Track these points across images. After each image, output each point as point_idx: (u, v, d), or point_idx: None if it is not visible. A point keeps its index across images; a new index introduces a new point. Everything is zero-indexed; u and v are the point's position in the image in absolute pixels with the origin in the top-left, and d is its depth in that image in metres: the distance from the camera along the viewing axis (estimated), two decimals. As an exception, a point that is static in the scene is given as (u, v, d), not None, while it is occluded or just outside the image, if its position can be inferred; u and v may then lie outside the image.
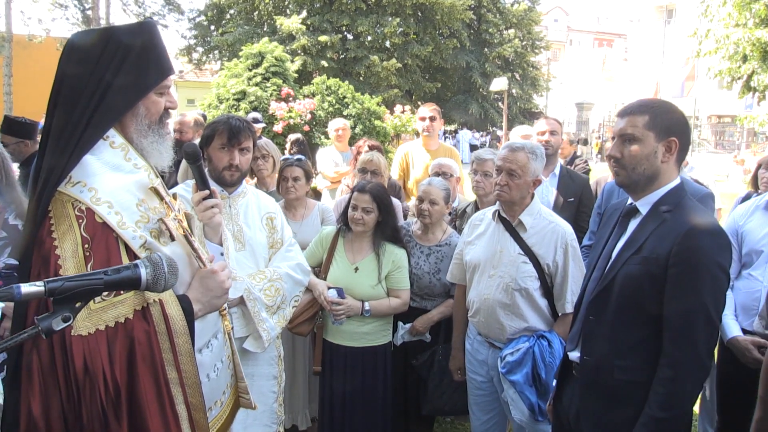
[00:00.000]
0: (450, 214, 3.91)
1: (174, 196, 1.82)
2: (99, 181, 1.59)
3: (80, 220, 1.53)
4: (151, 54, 1.71)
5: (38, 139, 4.99)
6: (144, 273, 1.35)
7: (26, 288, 1.19)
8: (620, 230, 2.23)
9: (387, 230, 3.39)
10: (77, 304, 1.28)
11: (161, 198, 1.68)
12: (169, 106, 1.80)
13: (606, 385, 2.13)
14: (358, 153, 4.96)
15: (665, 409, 1.96)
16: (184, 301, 1.66)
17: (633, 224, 2.18)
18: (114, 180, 1.62)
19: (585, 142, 28.40)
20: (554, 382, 2.52)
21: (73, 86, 1.63)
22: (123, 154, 1.69)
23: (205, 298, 1.73)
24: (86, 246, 1.51)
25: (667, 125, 2.07)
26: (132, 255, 1.58)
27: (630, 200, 2.23)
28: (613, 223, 2.29)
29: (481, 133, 32.49)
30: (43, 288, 1.21)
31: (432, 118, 5.32)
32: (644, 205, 2.15)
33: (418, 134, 6.08)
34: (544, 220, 2.93)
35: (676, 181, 2.14)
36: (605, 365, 2.12)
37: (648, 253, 2.04)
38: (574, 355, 2.29)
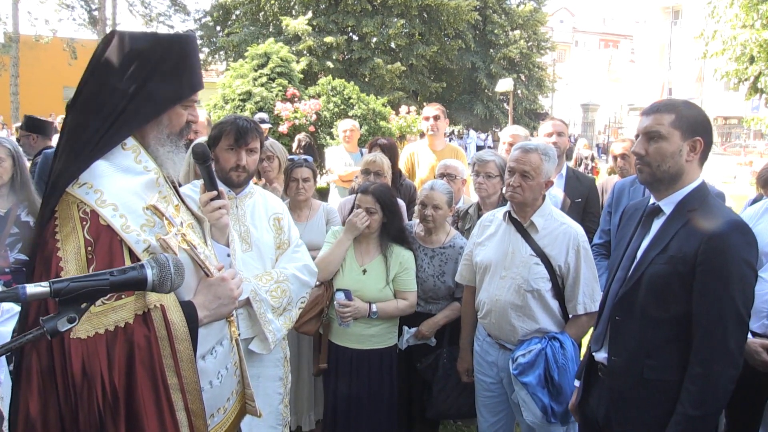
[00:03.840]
0: (452, 216, 3.89)
1: (176, 207, 1.79)
2: (106, 182, 1.58)
3: (84, 222, 1.52)
4: (186, 66, 1.71)
5: (51, 136, 5.60)
6: (150, 273, 1.34)
7: (31, 288, 1.18)
8: (644, 230, 2.24)
9: (392, 231, 3.38)
10: (83, 305, 1.26)
11: (161, 215, 1.66)
12: (191, 120, 1.80)
13: (636, 384, 2.14)
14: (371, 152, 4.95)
15: (698, 407, 1.98)
16: (189, 307, 1.64)
17: (657, 224, 2.19)
18: (121, 182, 1.61)
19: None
20: (577, 383, 2.53)
21: (98, 89, 1.63)
22: (134, 156, 1.67)
23: (213, 305, 1.72)
24: (89, 248, 1.50)
25: (693, 125, 2.09)
26: (135, 259, 1.56)
27: (652, 200, 2.24)
28: (636, 223, 2.30)
29: (486, 134, 32.44)
30: (48, 288, 1.20)
31: (436, 117, 5.30)
32: (668, 205, 2.16)
33: (423, 135, 6.07)
34: (556, 221, 2.91)
35: (699, 181, 2.15)
36: (634, 365, 2.14)
37: (674, 252, 2.05)
38: (601, 356, 2.30)
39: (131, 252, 1.56)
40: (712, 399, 1.99)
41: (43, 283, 1.20)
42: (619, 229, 2.48)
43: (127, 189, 1.61)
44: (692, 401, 1.99)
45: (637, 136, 2.21)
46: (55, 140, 5.57)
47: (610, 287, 2.32)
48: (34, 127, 5.43)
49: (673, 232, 2.09)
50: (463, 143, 26.95)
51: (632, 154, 2.23)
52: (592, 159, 13.43)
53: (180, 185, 2.68)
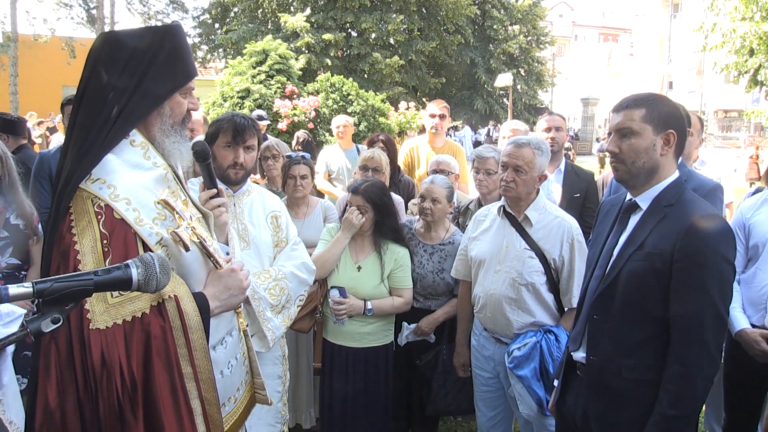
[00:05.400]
0: (452, 212, 3.88)
1: (184, 202, 1.82)
2: (118, 178, 1.62)
3: (99, 217, 1.56)
4: (178, 55, 1.75)
5: (26, 135, 5.22)
6: (135, 273, 1.34)
7: (14, 289, 1.19)
8: (620, 227, 2.20)
9: (386, 230, 3.38)
10: (67, 306, 1.27)
11: (172, 209, 1.69)
12: (191, 108, 1.83)
13: (614, 384, 2.11)
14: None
15: (676, 407, 1.95)
16: (200, 298, 1.68)
17: (634, 220, 2.15)
18: (133, 177, 1.65)
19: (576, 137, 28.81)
20: (556, 382, 2.50)
21: (99, 87, 1.67)
22: (143, 152, 1.71)
23: (224, 296, 1.75)
24: (105, 242, 1.54)
25: (664, 118, 2.06)
26: (149, 251, 1.59)
27: (629, 196, 2.21)
28: (612, 220, 2.26)
29: (486, 129, 32.45)
30: (31, 289, 1.21)
31: (442, 116, 5.30)
32: (644, 201, 2.13)
33: (423, 130, 6.04)
34: (550, 215, 2.92)
35: (675, 175, 2.12)
36: (612, 365, 2.10)
37: (651, 248, 2.02)
38: (579, 355, 2.27)
39: (145, 245, 1.60)
40: (690, 398, 1.96)
41: (26, 284, 1.22)
42: (596, 225, 2.44)
43: (138, 184, 1.65)
44: (670, 401, 1.96)
45: (609, 134, 2.19)
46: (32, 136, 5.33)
47: (588, 285, 2.29)
48: (6, 127, 4.97)
49: (649, 229, 2.06)
50: (457, 139, 26.85)
51: (606, 152, 2.21)
52: (569, 149, 14.67)
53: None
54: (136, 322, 1.50)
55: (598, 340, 2.17)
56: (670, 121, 2.06)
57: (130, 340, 1.48)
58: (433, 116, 5.31)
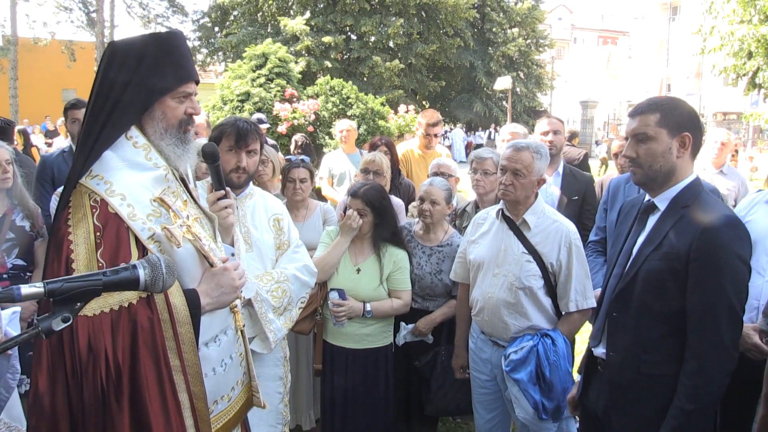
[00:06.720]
0: (449, 214, 3.91)
1: (185, 202, 1.86)
2: (116, 175, 1.68)
3: (94, 210, 1.62)
4: (168, 60, 1.78)
5: (13, 139, 5.32)
6: (142, 274, 1.39)
7: (26, 289, 1.23)
8: (639, 227, 2.26)
9: (385, 232, 3.40)
10: (77, 305, 1.31)
11: (168, 207, 1.74)
12: (191, 113, 1.86)
13: (633, 379, 2.17)
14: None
15: (693, 401, 2.01)
16: (191, 294, 1.72)
17: (652, 220, 2.22)
18: (131, 176, 1.71)
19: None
20: (579, 377, 2.56)
21: (98, 89, 1.74)
22: (144, 153, 1.77)
23: (215, 294, 1.79)
24: (98, 234, 1.60)
25: (679, 121, 2.11)
26: (141, 246, 1.66)
27: (647, 197, 2.27)
28: (632, 220, 2.33)
29: (486, 131, 32.49)
30: (43, 289, 1.26)
31: (435, 135, 5.51)
32: (662, 201, 2.19)
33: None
34: (548, 219, 2.94)
35: (693, 176, 2.17)
36: (631, 360, 2.17)
37: (668, 248, 2.08)
38: (599, 351, 2.33)
39: (137, 239, 1.65)
40: (707, 393, 2.02)
41: (37, 284, 1.26)
42: (616, 225, 2.51)
43: (136, 182, 1.71)
44: (687, 395, 2.01)
45: (626, 139, 2.24)
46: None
47: (607, 283, 2.35)
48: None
49: (667, 229, 2.12)
50: (449, 140, 26.75)
51: (623, 157, 2.26)
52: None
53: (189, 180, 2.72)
54: (123, 311, 1.53)
55: (617, 337, 2.24)
56: (685, 124, 2.11)
57: (116, 329, 1.51)
58: (428, 135, 5.51)
